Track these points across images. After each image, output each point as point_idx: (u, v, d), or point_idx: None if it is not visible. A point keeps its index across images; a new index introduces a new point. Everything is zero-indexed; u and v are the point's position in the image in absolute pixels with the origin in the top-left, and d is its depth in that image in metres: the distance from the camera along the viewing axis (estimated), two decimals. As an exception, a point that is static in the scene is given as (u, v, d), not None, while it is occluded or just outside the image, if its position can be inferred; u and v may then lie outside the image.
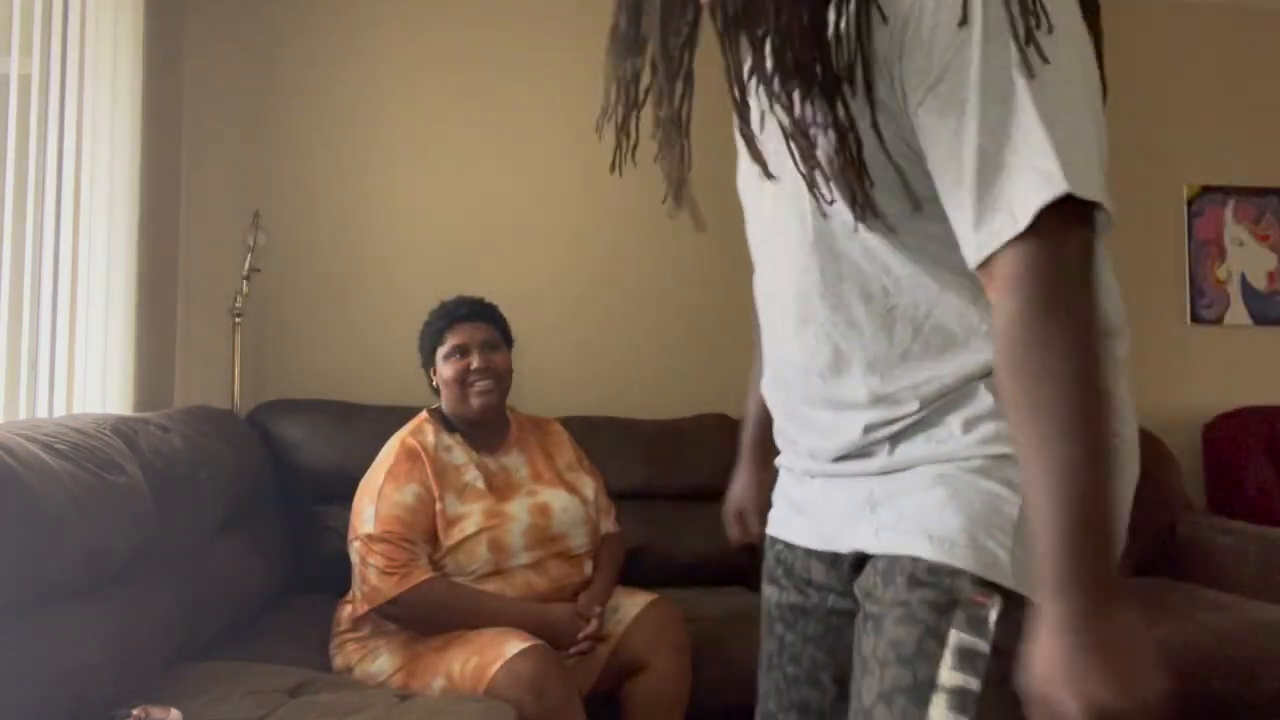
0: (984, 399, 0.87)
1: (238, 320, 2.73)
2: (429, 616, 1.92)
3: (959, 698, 0.79)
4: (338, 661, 1.99)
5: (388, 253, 2.95)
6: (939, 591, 0.82)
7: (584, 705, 1.86)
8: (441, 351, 2.12)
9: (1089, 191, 0.75)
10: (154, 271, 2.60)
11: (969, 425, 0.87)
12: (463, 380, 2.09)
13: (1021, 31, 0.76)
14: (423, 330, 2.19)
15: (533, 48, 3.04)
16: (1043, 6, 0.76)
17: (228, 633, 2.03)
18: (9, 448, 1.40)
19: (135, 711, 1.48)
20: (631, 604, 2.07)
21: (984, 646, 0.80)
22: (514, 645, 1.78)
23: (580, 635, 1.94)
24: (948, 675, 0.80)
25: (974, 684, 0.80)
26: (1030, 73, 0.76)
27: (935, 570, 0.82)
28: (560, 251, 3.03)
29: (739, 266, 3.34)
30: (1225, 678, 2.23)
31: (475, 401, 2.10)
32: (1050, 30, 0.76)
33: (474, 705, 1.66)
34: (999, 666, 0.79)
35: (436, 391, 2.17)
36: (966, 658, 0.80)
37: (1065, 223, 0.75)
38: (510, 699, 1.71)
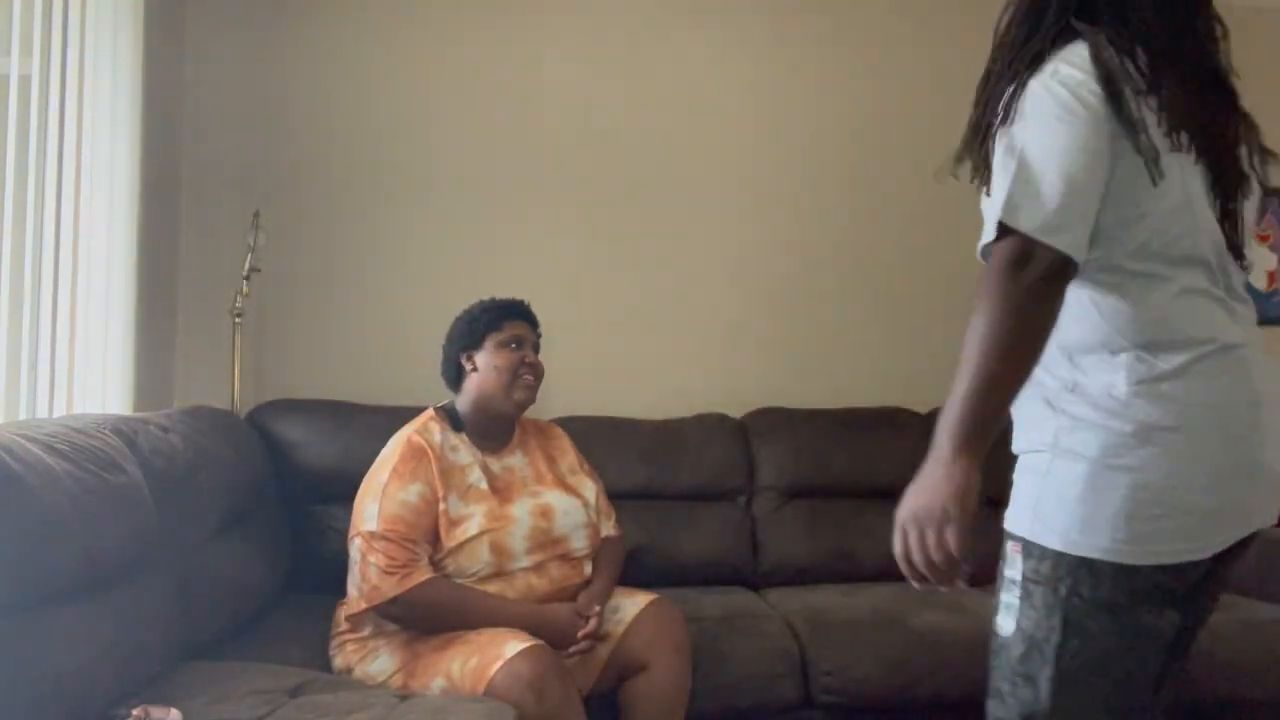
0: (1044, 410, 1.25)
1: (238, 320, 2.73)
2: (428, 617, 1.92)
3: (1007, 610, 1.26)
4: (337, 662, 1.99)
5: (388, 253, 2.95)
6: (1003, 544, 1.28)
7: (584, 705, 1.86)
8: (498, 338, 2.11)
9: (1017, 224, 1.15)
10: (154, 271, 2.60)
11: (1028, 427, 1.28)
12: (515, 370, 2.10)
13: (1015, 118, 1.20)
14: (475, 315, 2.16)
15: (533, 45, 3.04)
16: (1024, 108, 1.19)
17: (228, 633, 2.03)
18: (9, 448, 1.40)
19: (135, 711, 1.48)
20: (631, 604, 2.07)
21: (1016, 576, 1.25)
22: (514, 645, 1.78)
23: (580, 634, 1.94)
24: (1001, 596, 1.27)
25: (1015, 600, 1.25)
26: (1017, 145, 1.17)
27: (1003, 530, 1.29)
28: (560, 252, 3.04)
29: (739, 267, 3.37)
30: (1225, 678, 2.23)
31: (519, 394, 2.11)
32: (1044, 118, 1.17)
33: (474, 705, 1.66)
34: (1026, 589, 1.23)
35: (455, 381, 2.14)
36: (1008, 584, 1.26)
37: (1010, 240, 1.15)
38: (510, 699, 1.71)
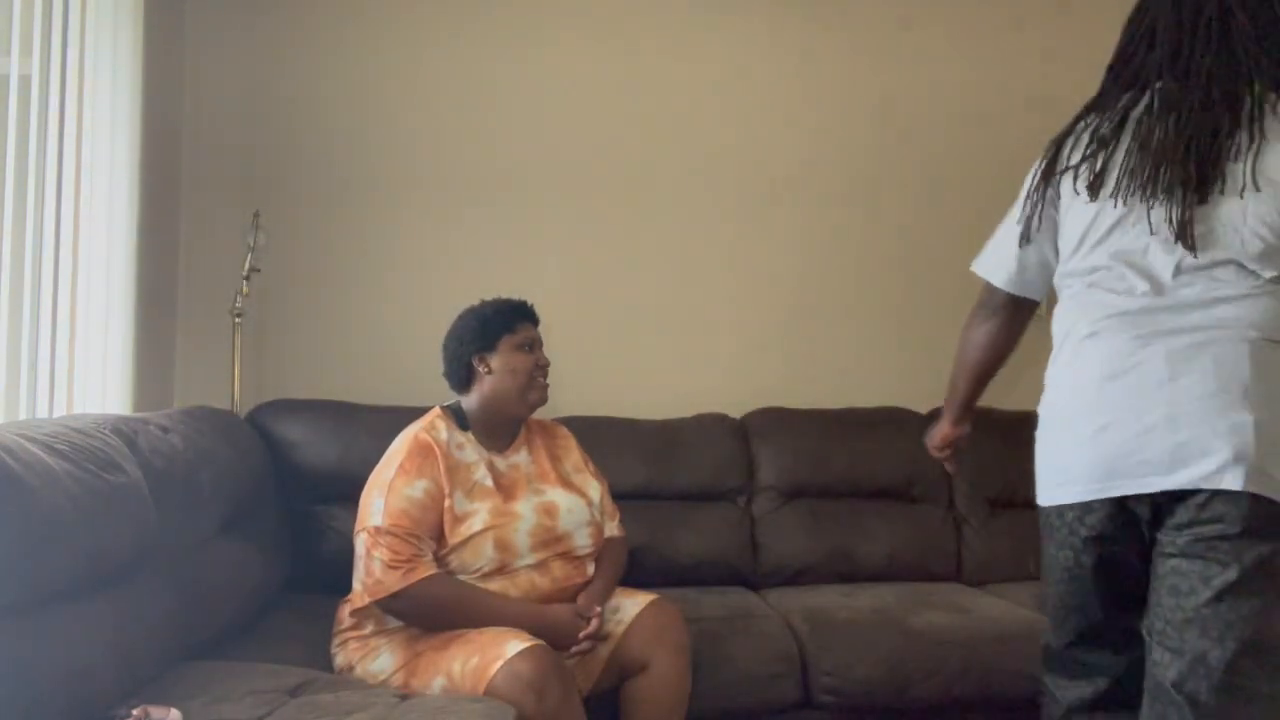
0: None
1: (238, 320, 2.73)
2: (430, 612, 1.92)
3: None
4: (339, 660, 1.99)
5: (388, 253, 2.96)
6: None
7: (584, 705, 1.86)
8: (514, 340, 2.11)
9: (976, 268, 1.75)
10: (154, 271, 2.60)
11: None
12: (531, 374, 2.11)
13: None
14: (488, 317, 2.13)
15: (535, 45, 3.04)
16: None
17: (228, 633, 2.03)
18: (9, 448, 1.40)
19: (135, 712, 1.48)
20: (631, 604, 2.07)
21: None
22: (514, 645, 1.78)
23: (580, 635, 1.94)
24: None
25: None
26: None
27: None
28: (560, 252, 3.04)
29: (739, 267, 3.37)
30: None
31: (534, 396, 2.12)
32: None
33: (474, 705, 1.66)
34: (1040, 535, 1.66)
35: (465, 383, 2.12)
36: None
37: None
38: (510, 699, 1.71)
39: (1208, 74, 1.49)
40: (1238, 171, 1.44)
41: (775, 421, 2.91)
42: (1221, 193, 1.44)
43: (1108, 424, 1.48)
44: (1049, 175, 1.63)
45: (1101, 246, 1.54)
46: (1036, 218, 1.64)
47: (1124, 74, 1.61)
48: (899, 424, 2.93)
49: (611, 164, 3.06)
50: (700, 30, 3.13)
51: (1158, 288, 1.48)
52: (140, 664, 1.64)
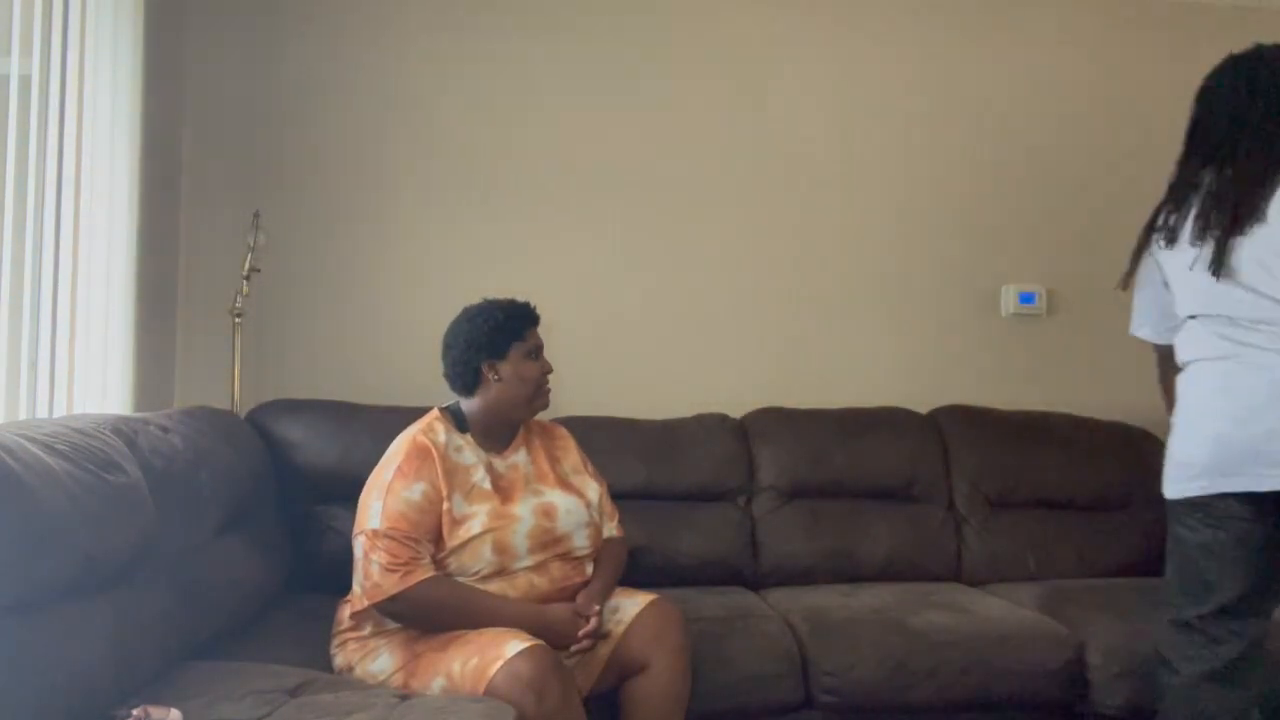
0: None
1: (238, 320, 2.73)
2: (429, 615, 1.92)
3: None
4: (338, 660, 1.99)
5: (388, 253, 2.96)
6: None
7: (584, 705, 1.86)
8: (524, 348, 2.10)
9: (1134, 333, 2.07)
10: (154, 271, 2.60)
11: None
12: (539, 381, 2.12)
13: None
14: (499, 322, 2.09)
15: (536, 44, 3.04)
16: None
17: (228, 633, 2.03)
18: (9, 448, 1.40)
19: (135, 711, 1.48)
20: (631, 604, 2.07)
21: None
22: (514, 645, 1.78)
23: (580, 633, 1.94)
24: None
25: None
26: None
27: None
28: (560, 252, 3.04)
29: (739, 267, 3.37)
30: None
31: (540, 402, 2.14)
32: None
33: (474, 705, 1.65)
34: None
35: (471, 387, 2.11)
36: None
37: None
38: (510, 699, 1.70)
39: (1258, 130, 1.80)
40: (1268, 208, 1.73)
41: (775, 421, 2.92)
42: (1261, 222, 1.74)
43: (1220, 432, 1.78)
44: (1149, 234, 1.98)
45: (1196, 287, 1.84)
46: (1145, 268, 1.99)
47: (1196, 138, 1.94)
48: (899, 424, 2.93)
49: (611, 164, 3.06)
50: (698, 31, 3.13)
51: (1237, 321, 1.78)
52: (140, 664, 1.64)
